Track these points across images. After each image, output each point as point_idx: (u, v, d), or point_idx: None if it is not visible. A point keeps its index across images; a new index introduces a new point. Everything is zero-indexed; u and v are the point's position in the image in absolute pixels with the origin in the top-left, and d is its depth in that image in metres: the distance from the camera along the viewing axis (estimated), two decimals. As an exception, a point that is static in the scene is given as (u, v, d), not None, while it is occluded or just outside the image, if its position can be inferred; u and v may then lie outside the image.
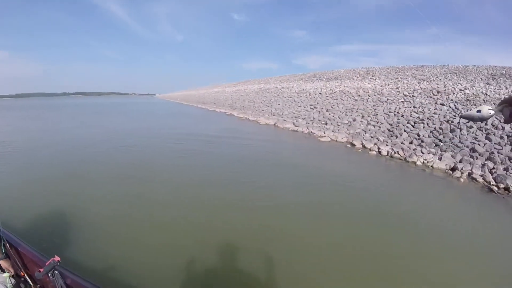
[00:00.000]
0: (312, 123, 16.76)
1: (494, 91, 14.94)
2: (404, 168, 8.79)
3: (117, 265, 3.61)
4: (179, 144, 11.88)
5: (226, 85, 72.86)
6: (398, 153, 10.08)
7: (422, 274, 3.59)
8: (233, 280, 3.48)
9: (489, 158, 8.31)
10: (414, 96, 17.02)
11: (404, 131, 11.89)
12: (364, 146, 11.53)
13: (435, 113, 12.89)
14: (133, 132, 15.50)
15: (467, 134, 10.05)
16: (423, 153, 9.57)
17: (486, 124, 10.36)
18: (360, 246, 4.21)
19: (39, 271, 2.01)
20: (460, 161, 8.53)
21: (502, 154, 8.34)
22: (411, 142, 10.72)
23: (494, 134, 9.57)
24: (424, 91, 17.85)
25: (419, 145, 10.32)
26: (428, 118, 12.45)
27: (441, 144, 9.84)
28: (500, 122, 10.25)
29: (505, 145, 8.75)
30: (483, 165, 8.06)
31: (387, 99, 17.61)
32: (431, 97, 16.00)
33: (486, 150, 8.77)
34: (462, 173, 7.93)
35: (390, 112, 14.84)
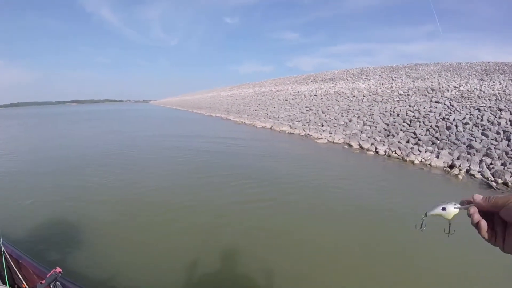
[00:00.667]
0: (309, 125, 16.73)
1: (488, 87, 15.01)
2: (402, 167, 8.75)
3: (119, 275, 3.55)
4: (178, 150, 11.78)
5: (221, 90, 72.93)
6: (395, 153, 10.05)
7: (430, 270, 3.55)
8: (240, 284, 3.45)
9: (486, 154, 8.30)
10: (409, 95, 17.07)
11: (401, 130, 11.89)
12: (361, 147, 11.50)
13: (430, 111, 12.91)
14: (131, 137, 15.34)
15: (464, 131, 10.06)
16: (420, 152, 9.54)
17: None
18: (365, 247, 4.16)
19: (41, 283, 2.00)
20: (458, 158, 8.51)
21: (499, 149, 8.34)
22: (408, 141, 10.70)
23: (490, 130, 9.58)
24: (418, 89, 17.92)
25: (416, 143, 10.30)
26: (423, 117, 12.46)
27: (438, 142, 9.83)
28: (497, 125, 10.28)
29: (501, 141, 8.75)
30: (481, 161, 8.05)
31: (382, 99, 17.64)
32: (426, 95, 16.05)
33: (483, 146, 8.77)
34: (460, 170, 7.90)
35: (385, 111, 14.85)
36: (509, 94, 12.84)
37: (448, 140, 9.73)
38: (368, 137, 12.26)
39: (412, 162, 9.09)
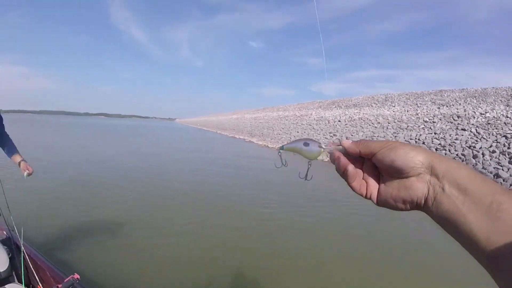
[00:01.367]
0: (335, 151, 17.23)
1: (515, 114, 15.08)
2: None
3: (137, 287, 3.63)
4: (205, 167, 12.37)
5: (245, 112, 74.77)
6: (422, 180, 10.36)
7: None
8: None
9: (513, 184, 8.55)
10: (435, 122, 17.34)
11: (427, 157, 12.19)
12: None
13: (456, 139, 13.17)
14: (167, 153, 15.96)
15: (490, 160, 10.31)
16: (447, 180, 9.83)
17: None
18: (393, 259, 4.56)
19: (57, 287, 2.03)
20: (485, 187, 8.77)
21: (526, 179, 8.57)
22: (434, 169, 10.99)
23: (517, 159, 9.79)
24: (444, 116, 18.15)
25: (443, 171, 10.59)
26: (449, 145, 12.75)
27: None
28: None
29: (528, 170, 8.96)
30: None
31: (407, 126, 18.00)
32: (451, 122, 16.29)
33: (510, 175, 9.00)
34: (487, 199, 8.17)
35: (411, 139, 15.22)
36: (536, 123, 12.93)
37: (475, 169, 9.98)
38: (395, 164, 12.61)
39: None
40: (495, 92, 22.93)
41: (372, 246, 5.25)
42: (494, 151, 10.85)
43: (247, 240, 5.20)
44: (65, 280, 2.05)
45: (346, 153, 0.53)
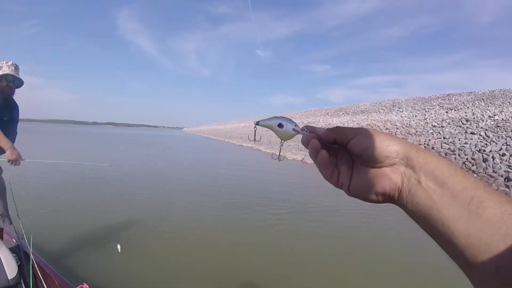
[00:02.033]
0: (344, 158, 17.35)
1: (524, 116, 15.10)
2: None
3: None
4: (214, 176, 12.53)
5: (252, 120, 74.90)
6: (433, 185, 10.45)
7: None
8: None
9: (524, 187, 8.63)
10: (443, 127, 17.39)
11: (437, 162, 12.26)
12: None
13: (466, 143, 13.24)
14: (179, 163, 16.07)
15: (501, 163, 10.37)
16: (458, 184, 9.92)
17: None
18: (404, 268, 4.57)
19: None
20: (496, 191, 8.86)
21: (537, 182, 8.65)
22: (445, 174, 11.07)
23: (527, 162, 9.86)
24: (452, 120, 18.19)
25: (453, 176, 10.67)
26: (459, 149, 12.81)
27: (475, 175, 10.21)
28: None
29: (539, 173, 9.04)
30: (519, 194, 8.40)
31: (416, 131, 18.07)
32: (460, 126, 16.33)
33: (521, 179, 9.08)
34: (498, 202, 8.26)
35: (420, 144, 15.28)
36: (546, 125, 12.95)
37: (485, 173, 10.10)
38: (405, 170, 12.69)
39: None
40: (503, 94, 22.89)
41: (380, 251, 5.28)
42: (504, 154, 10.90)
43: (253, 247, 5.16)
44: None
45: (321, 139, 0.51)
